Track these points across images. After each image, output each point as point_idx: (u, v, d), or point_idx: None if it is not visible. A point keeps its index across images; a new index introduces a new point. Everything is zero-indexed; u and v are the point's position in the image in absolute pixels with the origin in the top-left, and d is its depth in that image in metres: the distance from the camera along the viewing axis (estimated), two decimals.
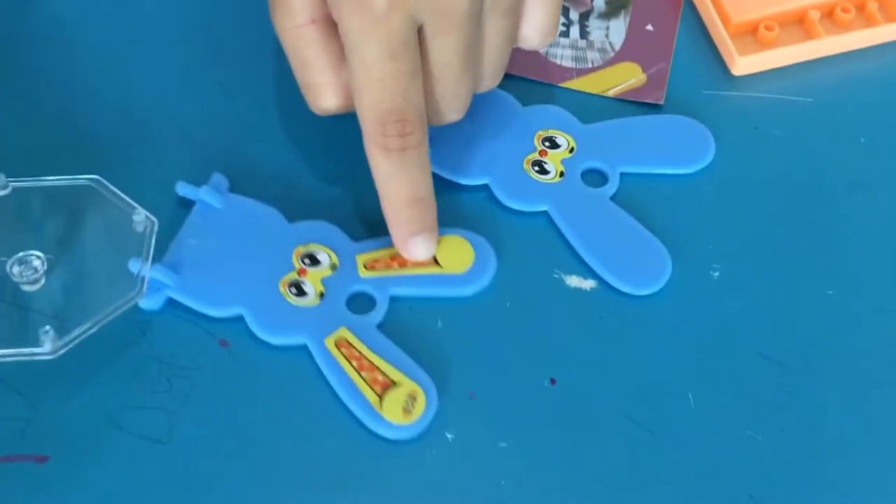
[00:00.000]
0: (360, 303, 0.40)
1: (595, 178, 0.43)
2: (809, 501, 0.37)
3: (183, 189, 0.41)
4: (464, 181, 0.43)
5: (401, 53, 0.36)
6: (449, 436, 0.38)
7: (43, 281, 0.39)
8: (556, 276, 0.41)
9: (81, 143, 0.43)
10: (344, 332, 0.38)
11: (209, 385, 0.38)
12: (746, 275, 0.41)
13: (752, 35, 0.47)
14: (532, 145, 0.43)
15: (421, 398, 0.37)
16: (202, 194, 0.41)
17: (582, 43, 0.47)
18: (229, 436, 0.37)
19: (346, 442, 0.37)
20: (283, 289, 0.39)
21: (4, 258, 0.39)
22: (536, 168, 0.43)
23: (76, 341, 0.37)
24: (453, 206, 0.42)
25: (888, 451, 0.38)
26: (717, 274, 0.42)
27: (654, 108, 0.46)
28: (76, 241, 0.40)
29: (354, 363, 0.38)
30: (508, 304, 0.41)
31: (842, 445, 0.38)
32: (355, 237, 0.41)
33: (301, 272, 0.39)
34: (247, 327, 0.39)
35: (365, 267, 0.40)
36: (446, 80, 0.38)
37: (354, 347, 0.38)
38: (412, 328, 0.39)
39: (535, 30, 0.40)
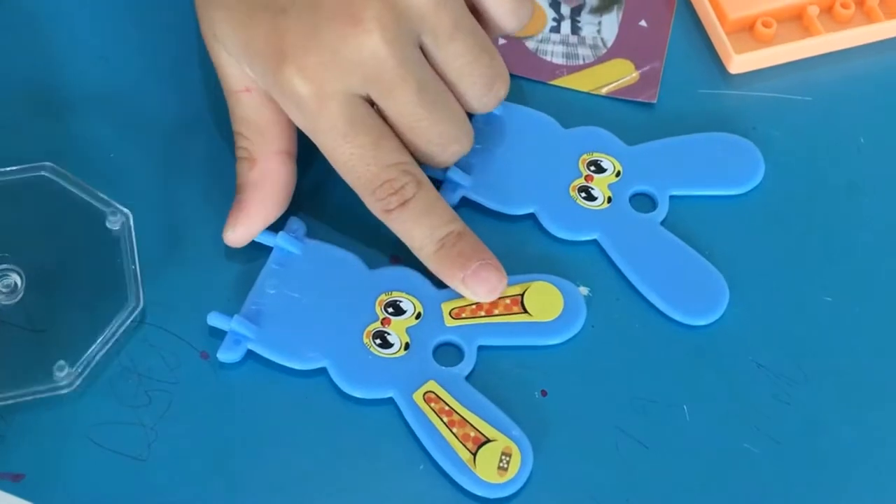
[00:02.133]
0: (447, 353, 0.38)
1: (643, 202, 0.42)
2: None
3: (262, 236, 0.39)
4: (510, 211, 0.41)
5: (351, 132, 0.37)
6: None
7: (21, 295, 0.38)
8: None
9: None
10: (432, 386, 0.37)
11: (189, 399, 0.37)
12: (742, 281, 0.40)
13: (748, 32, 0.46)
14: (577, 170, 0.42)
15: (516, 455, 0.36)
16: (279, 241, 0.39)
17: (573, 39, 0.46)
18: (209, 452, 0.36)
19: (346, 460, 0.36)
20: (367, 340, 0.38)
21: None
22: (583, 194, 0.41)
23: (90, 368, 0.36)
24: (500, 237, 0.40)
25: (886, 462, 0.37)
26: None
27: (647, 106, 0.44)
28: (48, 248, 0.39)
29: (445, 419, 0.36)
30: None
31: (839, 457, 0.37)
32: (439, 284, 0.39)
33: (385, 322, 0.38)
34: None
35: (451, 315, 0.38)
36: (420, 130, 0.38)
37: (444, 402, 0.37)
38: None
39: (501, 16, 0.39)
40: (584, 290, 0.40)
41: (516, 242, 0.41)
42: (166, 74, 0.44)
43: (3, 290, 0.38)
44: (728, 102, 0.45)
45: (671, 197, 0.42)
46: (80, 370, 0.36)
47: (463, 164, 0.41)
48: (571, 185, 0.42)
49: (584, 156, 0.42)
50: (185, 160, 0.42)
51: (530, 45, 0.45)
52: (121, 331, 0.37)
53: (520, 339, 0.38)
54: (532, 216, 0.41)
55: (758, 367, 0.39)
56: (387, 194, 0.37)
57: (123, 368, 0.37)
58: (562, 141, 0.43)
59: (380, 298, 0.38)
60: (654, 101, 0.44)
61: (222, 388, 0.37)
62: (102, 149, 0.42)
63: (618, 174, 0.42)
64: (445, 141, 0.38)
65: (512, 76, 0.44)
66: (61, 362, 0.36)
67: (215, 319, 0.37)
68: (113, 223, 0.39)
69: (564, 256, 0.41)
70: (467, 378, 0.38)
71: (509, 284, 0.38)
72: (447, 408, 0.37)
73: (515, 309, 0.38)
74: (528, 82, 0.45)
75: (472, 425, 0.36)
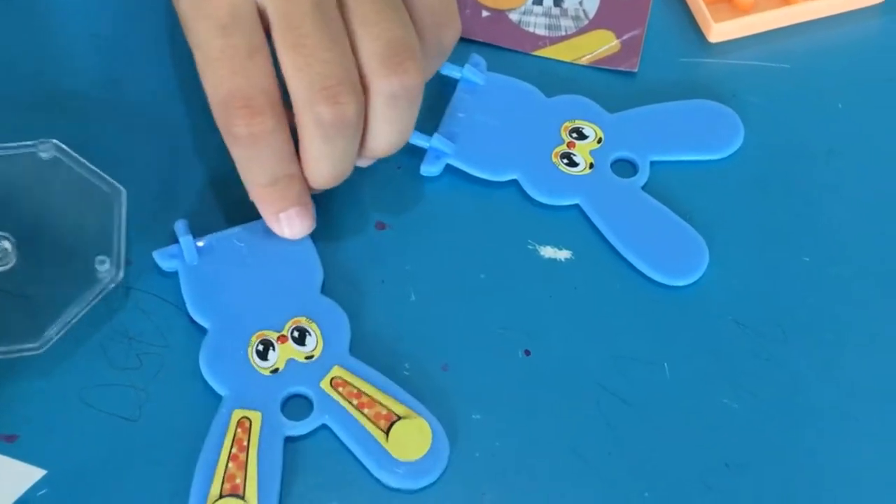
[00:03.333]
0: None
1: (625, 167, 0.43)
2: (785, 469, 0.37)
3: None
4: (493, 177, 0.42)
5: (231, 28, 0.35)
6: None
7: (13, 262, 0.39)
8: (530, 246, 0.41)
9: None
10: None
11: (180, 362, 0.38)
12: (721, 243, 0.41)
13: (728, 1, 0.46)
14: (559, 137, 0.43)
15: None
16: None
17: (556, 10, 0.46)
18: (200, 413, 0.37)
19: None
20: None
21: None
22: (565, 160, 0.42)
23: (61, 334, 0.37)
24: (484, 203, 0.41)
25: (863, 417, 0.38)
26: None
27: (628, 75, 0.45)
28: (40, 216, 0.39)
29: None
30: (482, 276, 0.40)
31: (817, 412, 0.38)
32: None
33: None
34: None
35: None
36: (306, 52, 0.35)
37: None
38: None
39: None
40: (565, 254, 0.41)
41: (500, 208, 0.42)
42: (166, 56, 0.44)
43: None
44: (708, 71, 0.45)
45: (652, 163, 0.43)
46: (55, 333, 0.37)
47: (446, 132, 0.42)
48: (554, 152, 0.42)
49: (566, 123, 0.43)
50: (176, 134, 0.43)
51: (513, 16, 0.46)
52: (99, 297, 0.38)
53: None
54: (515, 182, 0.42)
55: (737, 325, 0.40)
56: (241, 121, 0.35)
57: (115, 332, 0.38)
58: (544, 109, 0.43)
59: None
60: (636, 70, 0.45)
61: None
62: (96, 125, 0.43)
63: (599, 141, 0.43)
64: (328, 74, 0.35)
65: (495, 47, 0.45)
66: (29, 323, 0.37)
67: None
68: (105, 196, 0.39)
69: (547, 221, 0.41)
70: None
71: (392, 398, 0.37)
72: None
73: (381, 424, 0.36)
74: (510, 53, 0.45)
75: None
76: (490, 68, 0.44)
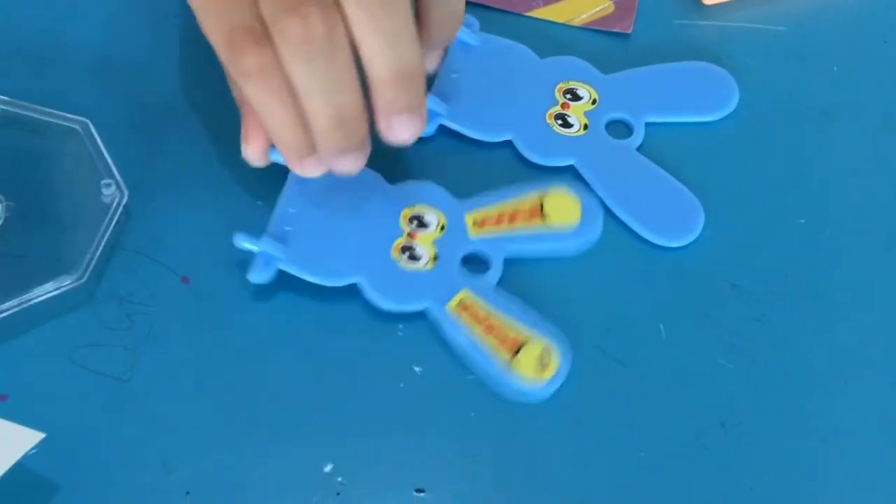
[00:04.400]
0: (475, 264, 0.39)
1: (619, 129, 0.42)
2: (779, 429, 0.37)
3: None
4: (487, 138, 0.41)
5: None
6: (417, 369, 0.37)
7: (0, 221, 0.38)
8: None
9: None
10: (464, 295, 0.37)
11: (170, 322, 0.37)
12: (717, 204, 0.41)
13: None
14: (553, 98, 0.42)
15: (554, 353, 0.37)
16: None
17: None
18: (191, 373, 0.36)
19: (318, 380, 0.37)
20: (395, 254, 0.38)
21: None
22: (560, 122, 0.42)
23: (94, 262, 0.37)
24: (478, 164, 0.41)
25: (857, 377, 0.38)
26: None
27: (622, 37, 0.45)
28: (40, 188, 0.39)
29: (480, 326, 0.37)
30: None
31: (812, 373, 0.38)
32: (458, 195, 0.40)
33: (411, 235, 0.38)
34: (209, 262, 0.38)
35: (475, 224, 0.39)
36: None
37: (480, 308, 0.37)
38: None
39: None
40: None
41: (494, 169, 0.41)
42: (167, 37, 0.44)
43: None
44: (702, 32, 0.45)
45: (647, 124, 0.42)
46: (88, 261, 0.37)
47: (440, 93, 0.41)
48: (548, 113, 0.42)
49: (561, 84, 0.43)
50: (171, 104, 0.42)
51: None
52: (113, 224, 0.37)
53: (541, 247, 0.39)
54: (509, 143, 0.42)
55: (732, 287, 0.39)
56: (249, 51, 0.33)
57: (105, 294, 0.38)
58: (538, 70, 0.43)
59: (403, 212, 0.39)
60: (629, 32, 0.45)
61: (203, 312, 0.38)
62: (87, 96, 0.42)
63: (594, 102, 0.42)
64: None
65: (489, 8, 0.45)
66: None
67: (242, 241, 0.37)
68: (106, 196, 0.39)
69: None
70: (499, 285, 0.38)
71: (528, 191, 0.38)
72: (482, 314, 0.37)
73: (535, 218, 0.38)
74: (504, 14, 0.45)
75: (509, 329, 0.37)
76: (483, 29, 0.43)
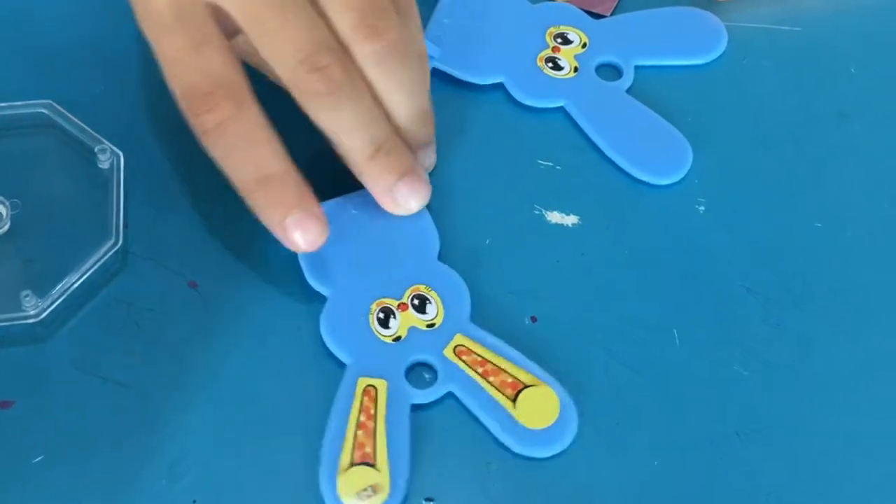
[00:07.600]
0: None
1: (609, 72, 0.43)
2: (796, 438, 0.36)
3: None
4: (478, 80, 0.42)
5: (175, 26, 0.34)
6: (427, 376, 0.37)
7: (8, 226, 0.38)
8: (536, 212, 0.40)
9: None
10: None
11: (178, 327, 0.37)
12: (732, 207, 0.40)
13: None
14: (544, 42, 0.43)
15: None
16: None
17: None
18: (199, 379, 0.36)
19: (322, 381, 0.36)
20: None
21: None
22: (550, 64, 0.43)
23: (59, 301, 0.36)
24: (469, 106, 0.42)
25: (875, 384, 0.37)
26: (702, 208, 0.41)
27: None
28: (35, 179, 0.39)
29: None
30: (487, 242, 0.39)
31: (829, 380, 0.37)
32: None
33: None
34: (217, 267, 0.38)
35: None
36: (269, 38, 0.34)
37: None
38: None
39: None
40: (570, 220, 0.40)
41: (485, 111, 0.42)
42: None
43: None
44: None
45: (636, 67, 0.43)
46: (50, 302, 0.36)
47: (432, 37, 0.43)
48: (539, 56, 0.43)
49: (551, 28, 0.44)
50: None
51: None
52: (98, 265, 0.37)
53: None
54: (500, 86, 0.42)
55: (747, 291, 0.39)
56: (203, 111, 0.34)
57: (112, 298, 0.37)
58: (529, 14, 0.44)
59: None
60: (608, 15, 0.45)
61: (211, 316, 0.37)
62: (93, 92, 0.42)
63: (584, 45, 0.43)
64: (299, 47, 0.34)
65: None
66: (27, 292, 0.36)
67: None
68: (103, 161, 0.39)
69: (532, 124, 0.42)
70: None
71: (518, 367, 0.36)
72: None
73: (508, 393, 0.36)
74: None
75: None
76: None
